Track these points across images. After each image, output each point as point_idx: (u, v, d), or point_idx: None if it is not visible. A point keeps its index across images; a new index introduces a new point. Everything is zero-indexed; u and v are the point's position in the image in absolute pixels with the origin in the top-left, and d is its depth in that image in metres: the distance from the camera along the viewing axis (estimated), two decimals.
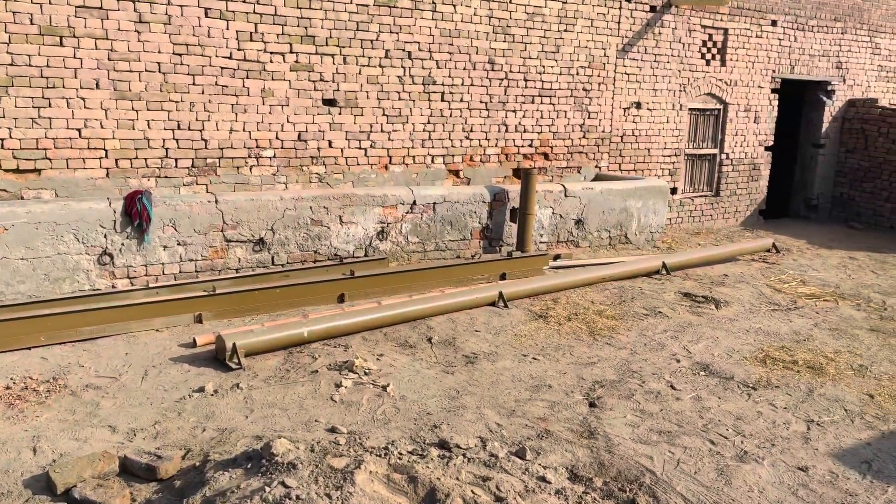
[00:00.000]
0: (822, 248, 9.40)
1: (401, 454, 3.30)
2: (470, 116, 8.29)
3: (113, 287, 5.82)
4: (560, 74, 8.86)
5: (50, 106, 6.10)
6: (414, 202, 7.18)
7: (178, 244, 6.08)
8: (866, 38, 12.05)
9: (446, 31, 7.87)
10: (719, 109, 10.79)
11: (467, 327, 5.54)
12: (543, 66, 8.69)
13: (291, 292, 5.79)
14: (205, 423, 3.81)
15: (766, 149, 11.44)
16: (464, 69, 8.10)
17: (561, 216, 8.13)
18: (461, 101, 8.18)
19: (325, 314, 5.39)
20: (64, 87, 6.11)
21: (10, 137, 5.98)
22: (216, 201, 6.21)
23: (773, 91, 11.25)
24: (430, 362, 4.82)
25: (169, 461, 3.25)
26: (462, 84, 8.13)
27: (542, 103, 8.79)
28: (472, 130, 8.36)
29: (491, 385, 4.44)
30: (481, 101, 8.33)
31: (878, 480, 3.45)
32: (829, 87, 11.78)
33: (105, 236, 5.75)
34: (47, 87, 6.05)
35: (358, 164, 7.67)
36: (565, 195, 8.09)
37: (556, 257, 7.61)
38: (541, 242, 7.99)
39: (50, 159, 6.16)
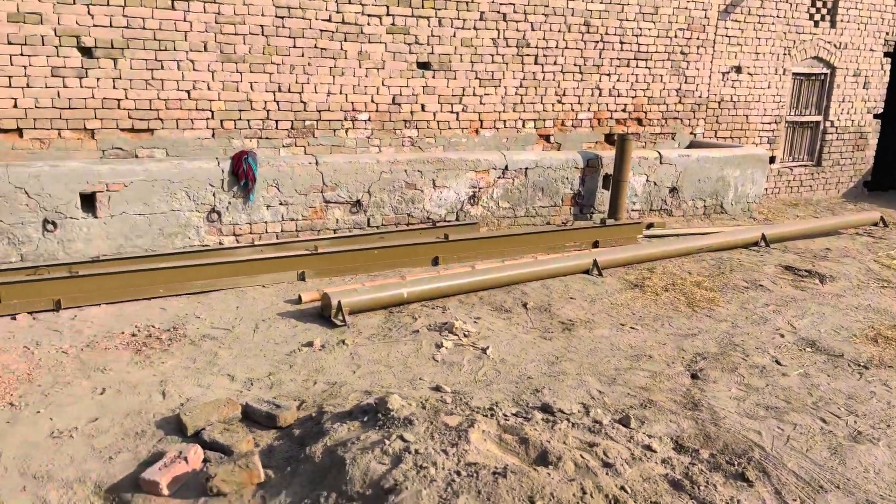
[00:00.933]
0: None
1: (506, 415, 3.38)
2: (563, 80, 8.15)
3: (220, 243, 6.11)
4: (657, 37, 8.55)
5: (162, 68, 6.36)
6: (506, 167, 7.16)
7: (281, 204, 6.29)
8: None
9: None
10: (826, 74, 10.19)
11: (562, 294, 5.54)
12: (640, 29, 8.41)
13: (388, 254, 5.93)
14: (315, 377, 3.99)
15: (875, 116, 10.75)
16: (559, 31, 7.94)
17: (655, 183, 7.94)
18: (554, 63, 8.04)
19: (422, 276, 5.50)
20: (175, 49, 6.36)
21: (126, 98, 6.29)
22: (316, 163, 6.37)
23: (886, 55, 10.51)
24: (526, 327, 4.86)
25: (287, 410, 3.43)
26: (556, 47, 7.98)
27: (637, 67, 8.53)
28: (564, 94, 8.22)
29: (589, 353, 4.45)
30: (575, 65, 8.16)
31: None
32: None
33: (213, 195, 6.01)
34: (159, 50, 6.31)
35: (449, 128, 7.69)
36: (660, 162, 7.88)
37: (650, 226, 7.46)
38: (633, 210, 7.84)
39: (161, 119, 6.45)
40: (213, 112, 6.61)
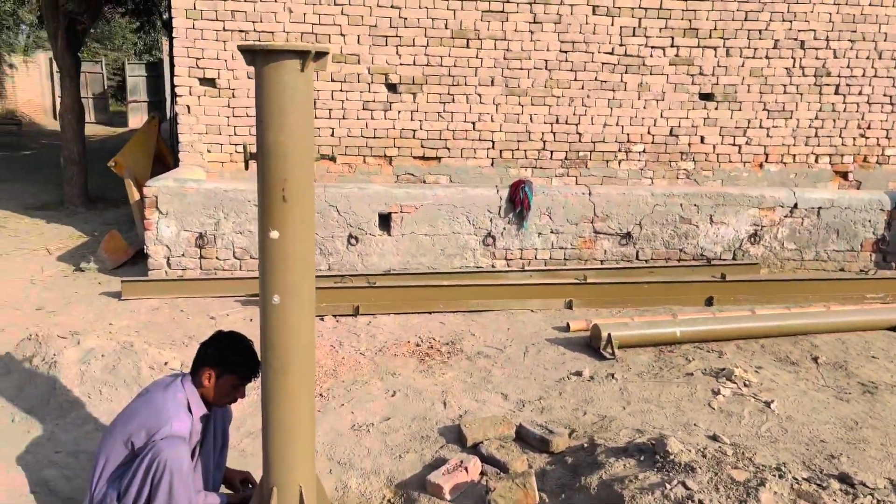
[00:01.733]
0: None
1: (797, 479, 3.08)
2: (868, 111, 7.26)
3: (492, 266, 6.44)
4: None
5: (453, 101, 6.94)
6: (795, 205, 6.56)
7: (552, 232, 6.46)
8: None
9: (849, 17, 6.98)
10: None
11: (861, 351, 4.90)
12: None
13: (659, 289, 5.76)
14: (584, 407, 4.01)
15: None
16: (867, 58, 7.11)
17: None
18: (859, 94, 7.21)
19: (695, 316, 5.25)
20: (465, 84, 6.90)
21: (421, 129, 6.96)
22: (589, 193, 6.44)
23: None
24: (817, 384, 4.39)
25: (559, 437, 3.50)
26: (863, 75, 7.15)
27: None
28: (869, 127, 7.32)
29: None
30: (885, 94, 7.23)
31: None
32: None
33: (490, 220, 6.37)
34: (452, 85, 6.90)
35: (730, 162, 7.27)
36: None
37: None
38: None
39: (448, 149, 7.03)
40: (493, 142, 7.03)
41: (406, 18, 6.74)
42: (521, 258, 6.54)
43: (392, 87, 6.91)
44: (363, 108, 6.91)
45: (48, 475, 3.19)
